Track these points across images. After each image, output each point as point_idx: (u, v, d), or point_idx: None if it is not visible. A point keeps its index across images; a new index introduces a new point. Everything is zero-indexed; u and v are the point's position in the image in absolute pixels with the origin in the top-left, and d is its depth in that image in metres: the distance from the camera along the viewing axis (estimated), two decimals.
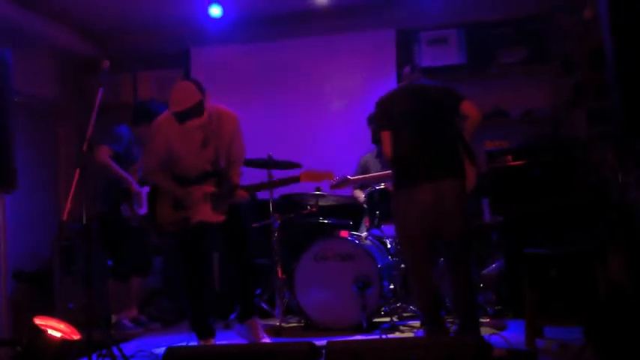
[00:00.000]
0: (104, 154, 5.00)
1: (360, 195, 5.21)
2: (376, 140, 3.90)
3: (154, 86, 6.54)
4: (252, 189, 4.10)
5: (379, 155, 5.21)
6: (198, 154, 4.01)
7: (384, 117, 3.93)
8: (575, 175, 4.77)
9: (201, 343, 4.04)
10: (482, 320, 4.21)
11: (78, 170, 3.45)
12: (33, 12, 5.68)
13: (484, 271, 4.77)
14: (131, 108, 5.45)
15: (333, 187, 4.95)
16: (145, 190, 5.01)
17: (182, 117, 3.89)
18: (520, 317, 4.16)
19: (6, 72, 3.14)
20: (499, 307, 4.62)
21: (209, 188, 4.00)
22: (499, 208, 4.79)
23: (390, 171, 4.68)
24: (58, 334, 3.38)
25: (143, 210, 5.09)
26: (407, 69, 4.09)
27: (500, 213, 4.80)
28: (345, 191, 5.37)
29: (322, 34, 6.32)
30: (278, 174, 4.88)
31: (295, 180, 4.11)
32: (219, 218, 4.00)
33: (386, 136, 3.85)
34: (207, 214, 3.98)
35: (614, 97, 3.20)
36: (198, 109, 3.88)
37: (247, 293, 4.20)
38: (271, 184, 4.33)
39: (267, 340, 4.10)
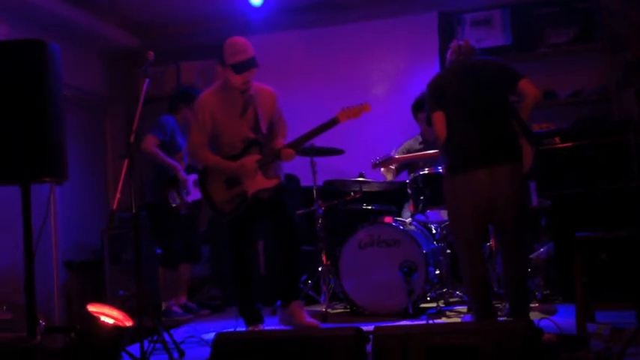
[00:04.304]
0: (150, 143, 5.08)
1: (389, 176, 5.12)
2: (430, 122, 3.77)
3: (197, 77, 6.60)
4: (295, 144, 4.09)
5: (424, 142, 5.14)
6: (240, 120, 4.09)
7: (434, 97, 3.74)
8: (626, 157, 4.65)
9: (250, 328, 4.08)
10: (531, 305, 4.15)
11: (126, 161, 3.52)
12: (79, 7, 5.80)
13: (533, 255, 4.70)
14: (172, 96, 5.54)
15: (376, 165, 4.88)
16: (192, 177, 5.08)
17: (243, 66, 4.00)
18: (570, 301, 4.09)
19: (55, 66, 3.20)
20: (548, 291, 4.55)
21: (255, 157, 4.06)
22: (547, 191, 4.71)
23: (434, 151, 4.64)
24: (110, 321, 3.46)
25: (191, 197, 5.16)
26: (454, 42, 3.86)
27: (548, 196, 4.70)
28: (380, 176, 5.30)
29: (364, 20, 6.28)
30: (321, 161, 4.89)
31: (335, 122, 4.09)
32: (273, 182, 4.09)
33: (438, 118, 3.66)
34: (261, 182, 4.06)
35: None
36: (255, 61, 4.03)
37: (292, 274, 4.19)
38: (312, 134, 4.12)
39: (311, 321, 4.08)
